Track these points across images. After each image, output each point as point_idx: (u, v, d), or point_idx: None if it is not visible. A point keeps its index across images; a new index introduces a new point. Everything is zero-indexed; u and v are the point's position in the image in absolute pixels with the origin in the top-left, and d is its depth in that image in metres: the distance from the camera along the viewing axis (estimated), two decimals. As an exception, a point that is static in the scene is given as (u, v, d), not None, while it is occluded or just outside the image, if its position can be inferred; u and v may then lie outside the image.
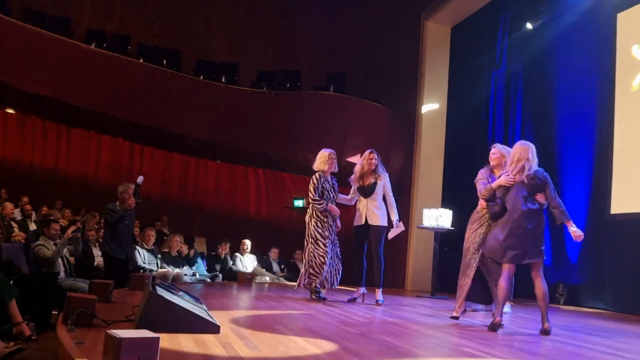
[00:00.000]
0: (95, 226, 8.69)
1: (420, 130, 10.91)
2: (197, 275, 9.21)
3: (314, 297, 6.27)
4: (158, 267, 8.18)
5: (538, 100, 9.94)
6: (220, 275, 9.67)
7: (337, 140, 11.53)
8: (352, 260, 6.53)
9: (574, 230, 4.90)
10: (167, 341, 3.08)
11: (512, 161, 4.76)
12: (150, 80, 11.51)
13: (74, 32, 11.78)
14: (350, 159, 6.49)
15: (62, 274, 6.34)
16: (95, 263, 7.69)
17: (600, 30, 8.80)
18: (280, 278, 10.35)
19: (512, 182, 4.79)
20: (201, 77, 12.37)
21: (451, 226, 8.33)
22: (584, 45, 9.06)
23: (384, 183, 6.48)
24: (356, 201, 6.64)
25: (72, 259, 6.94)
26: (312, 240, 6.24)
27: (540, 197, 4.79)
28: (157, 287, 3.62)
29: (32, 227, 8.96)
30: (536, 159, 4.84)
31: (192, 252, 9.75)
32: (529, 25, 10.11)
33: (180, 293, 4.00)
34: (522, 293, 6.77)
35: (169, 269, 8.25)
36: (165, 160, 13.61)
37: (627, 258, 7.75)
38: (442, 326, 4.87)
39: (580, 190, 8.77)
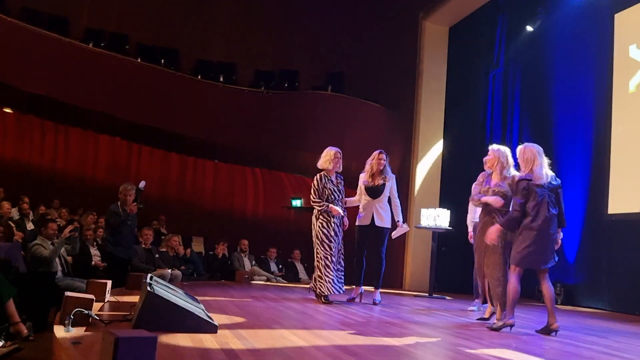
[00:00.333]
0: (93, 225, 8.68)
1: (418, 129, 10.92)
2: (195, 275, 9.22)
3: (321, 300, 6.06)
4: (156, 267, 8.17)
5: (536, 100, 9.95)
6: (218, 274, 9.68)
7: (335, 140, 11.47)
8: (351, 260, 6.52)
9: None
10: (165, 341, 3.08)
11: (526, 164, 4.65)
12: (148, 79, 11.50)
13: (72, 32, 11.77)
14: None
15: (60, 273, 6.33)
16: (93, 262, 7.67)
17: (597, 31, 8.81)
18: (278, 278, 10.36)
19: (501, 204, 4.75)
20: (199, 77, 12.37)
21: (449, 226, 8.33)
22: (582, 46, 9.07)
23: (391, 184, 6.55)
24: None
25: (69, 258, 6.92)
26: (318, 242, 6.10)
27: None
28: (154, 287, 3.61)
29: (30, 226, 8.94)
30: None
31: (188, 251, 9.74)
32: (526, 26, 10.12)
33: (177, 293, 4.00)
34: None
35: (167, 269, 8.25)
36: (163, 159, 13.59)
37: (625, 258, 7.77)
38: (440, 326, 4.88)
39: (578, 190, 8.78)
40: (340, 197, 6.27)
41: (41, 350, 4.35)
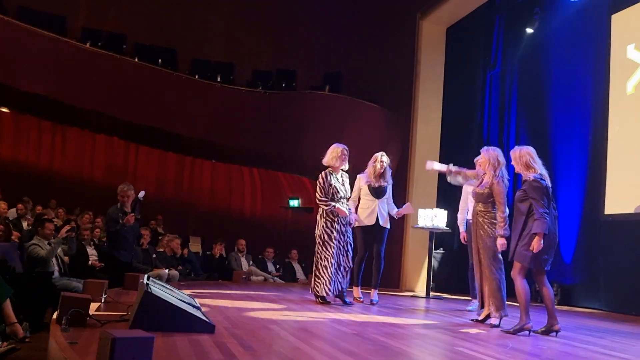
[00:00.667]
0: (90, 225, 8.66)
1: (415, 130, 10.93)
2: (192, 275, 9.21)
3: (319, 301, 6.01)
4: (153, 267, 8.17)
5: (533, 100, 9.97)
6: (216, 274, 9.67)
7: (332, 140, 11.43)
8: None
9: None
10: (162, 341, 3.08)
11: (527, 166, 4.67)
12: (145, 79, 11.48)
13: (69, 31, 11.74)
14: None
15: (56, 273, 6.32)
16: (90, 262, 7.66)
17: (594, 31, 8.83)
18: (275, 278, 10.35)
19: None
20: (197, 77, 12.35)
21: (446, 226, 8.34)
22: (579, 46, 9.09)
23: (389, 186, 6.68)
24: (358, 200, 6.64)
25: (66, 258, 6.91)
26: (320, 242, 6.00)
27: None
28: (151, 287, 3.61)
29: (26, 226, 8.92)
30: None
31: (185, 251, 9.74)
32: (524, 27, 10.14)
33: (174, 293, 4.00)
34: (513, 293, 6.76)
35: (164, 269, 8.24)
36: (160, 159, 13.58)
37: (621, 258, 7.78)
38: (437, 326, 4.88)
39: (575, 190, 8.79)
40: (346, 196, 6.18)
41: (38, 350, 4.34)
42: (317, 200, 6.09)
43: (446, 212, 8.43)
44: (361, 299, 6.53)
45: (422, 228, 8.52)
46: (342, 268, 5.98)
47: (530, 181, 4.61)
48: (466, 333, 4.52)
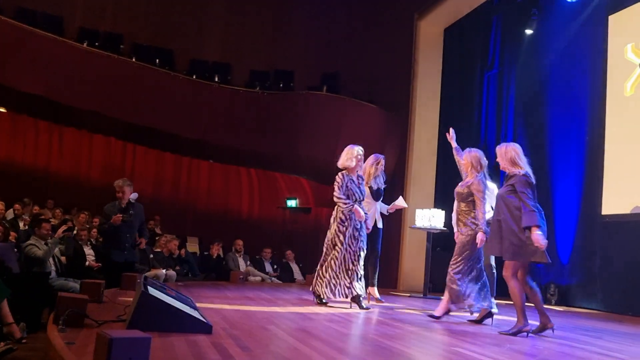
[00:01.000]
0: (87, 225, 8.65)
1: (413, 130, 10.93)
2: (190, 275, 9.20)
3: (317, 301, 5.94)
4: (150, 267, 8.16)
5: (530, 101, 9.99)
6: (213, 275, 9.66)
7: (330, 141, 11.52)
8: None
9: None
10: (159, 341, 3.07)
11: (512, 162, 4.66)
12: (142, 79, 11.46)
13: (66, 31, 11.72)
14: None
15: (54, 273, 6.30)
16: (87, 263, 7.65)
17: (592, 32, 8.85)
18: (273, 278, 10.35)
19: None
20: (194, 77, 12.34)
21: (444, 226, 8.35)
22: (576, 47, 9.11)
23: None
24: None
25: (63, 258, 6.90)
26: (330, 244, 5.85)
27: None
28: (148, 287, 3.61)
29: (23, 226, 8.90)
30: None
31: (183, 251, 9.73)
32: (521, 27, 10.16)
33: (172, 293, 3.99)
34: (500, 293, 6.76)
35: (161, 269, 8.23)
36: (157, 159, 13.56)
37: (618, 259, 7.80)
38: (435, 326, 4.88)
39: (572, 191, 8.81)
40: (362, 199, 5.98)
41: (35, 350, 4.33)
42: (334, 199, 5.88)
43: (444, 212, 8.43)
44: (382, 300, 6.66)
45: (420, 228, 8.52)
46: (351, 273, 5.73)
47: (519, 176, 4.59)
48: (464, 333, 4.53)
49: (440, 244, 9.62)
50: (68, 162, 12.84)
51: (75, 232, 7.80)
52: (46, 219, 6.95)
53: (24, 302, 5.19)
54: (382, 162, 6.70)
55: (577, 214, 8.67)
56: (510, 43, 10.57)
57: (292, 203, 13.97)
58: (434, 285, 9.01)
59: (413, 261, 10.36)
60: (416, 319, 5.38)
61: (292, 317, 4.93)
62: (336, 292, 5.75)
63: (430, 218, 8.39)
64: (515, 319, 4.57)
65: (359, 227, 5.82)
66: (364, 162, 6.17)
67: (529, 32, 10.00)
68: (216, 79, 12.47)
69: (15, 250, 6.63)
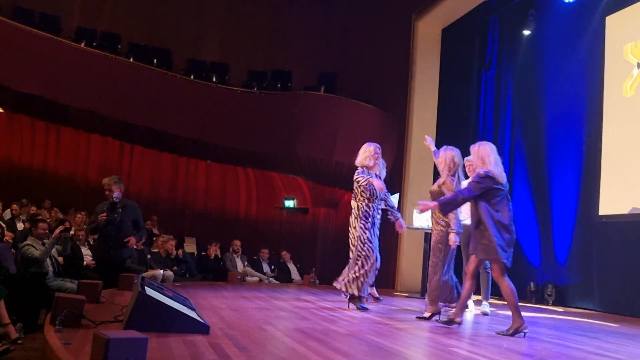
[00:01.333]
0: (84, 225, 8.64)
1: (410, 130, 10.94)
2: (187, 276, 9.19)
3: (358, 306, 5.67)
4: (147, 268, 8.14)
5: (528, 101, 10.00)
6: (211, 275, 9.65)
7: (328, 141, 11.54)
8: (347, 261, 6.46)
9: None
10: (156, 342, 3.07)
11: (482, 161, 4.66)
12: (140, 79, 11.45)
13: (63, 31, 11.71)
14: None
15: (51, 274, 6.29)
16: (85, 263, 7.64)
17: (589, 33, 8.87)
18: (270, 278, 10.35)
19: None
20: (192, 77, 12.34)
21: (441, 227, 8.34)
22: (573, 48, 9.12)
23: None
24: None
25: (60, 258, 6.88)
26: (360, 243, 5.66)
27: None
28: (146, 288, 3.60)
29: (20, 226, 8.89)
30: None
31: (180, 252, 9.72)
32: (518, 28, 10.17)
33: (169, 293, 3.99)
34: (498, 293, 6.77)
35: (159, 270, 8.22)
36: (155, 159, 13.54)
37: (615, 259, 7.81)
38: (432, 327, 4.88)
39: (569, 191, 8.82)
40: (380, 196, 5.86)
41: (32, 351, 4.32)
42: (356, 184, 5.71)
43: (441, 212, 8.42)
44: (380, 299, 6.71)
45: (417, 229, 8.53)
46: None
47: (480, 172, 4.62)
48: (461, 334, 4.53)
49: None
50: (65, 162, 12.81)
51: (72, 232, 7.78)
52: (42, 219, 6.94)
53: (21, 303, 5.18)
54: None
55: (574, 214, 8.68)
56: (507, 43, 10.58)
57: (289, 203, 13.97)
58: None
59: (411, 261, 10.36)
60: (413, 319, 5.38)
61: (290, 318, 4.93)
62: (367, 288, 5.67)
63: (427, 218, 8.38)
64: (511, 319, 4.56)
65: (378, 224, 5.75)
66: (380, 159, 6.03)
67: (526, 32, 10.01)
68: (214, 79, 12.47)
69: (12, 250, 6.62)
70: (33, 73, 10.47)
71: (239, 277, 9.23)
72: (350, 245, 5.79)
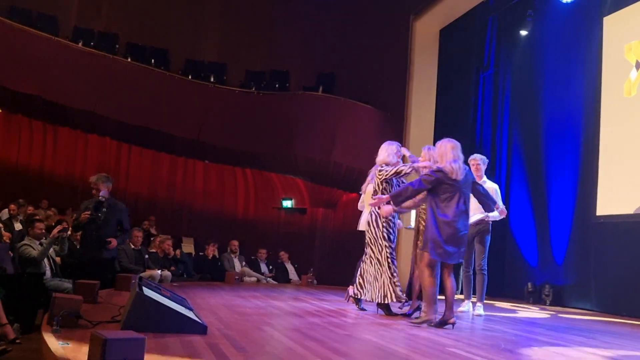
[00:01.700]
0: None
1: (408, 131, 10.94)
2: (185, 276, 9.18)
3: (386, 312, 5.49)
4: (145, 268, 8.13)
5: (525, 102, 10.01)
6: (208, 275, 9.64)
7: (326, 141, 11.54)
8: (345, 262, 6.47)
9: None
10: (154, 342, 3.06)
11: (441, 157, 4.76)
12: (138, 79, 11.45)
13: (60, 31, 11.69)
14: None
15: (48, 274, 6.27)
16: (82, 263, 7.61)
17: (587, 34, 8.88)
18: (268, 279, 10.34)
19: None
20: (189, 77, 12.33)
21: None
22: (571, 48, 9.14)
23: None
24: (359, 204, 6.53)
25: (58, 259, 6.87)
26: (385, 243, 5.48)
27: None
28: (143, 288, 3.60)
29: (18, 226, 8.86)
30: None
31: (178, 252, 9.70)
32: (517, 28, 10.19)
33: (167, 294, 3.98)
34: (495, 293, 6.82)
35: (156, 270, 8.21)
36: (153, 160, 13.53)
37: (613, 259, 7.82)
38: (430, 327, 4.88)
39: (567, 192, 8.83)
40: None
41: (29, 351, 4.31)
42: (378, 179, 5.48)
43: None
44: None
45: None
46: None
47: (433, 168, 4.78)
48: (458, 334, 4.53)
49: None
50: (63, 162, 12.80)
51: (69, 232, 7.76)
52: (39, 218, 6.92)
53: (19, 303, 5.17)
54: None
55: (572, 214, 8.69)
56: (505, 44, 10.60)
57: (287, 203, 13.97)
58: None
59: (409, 262, 10.34)
60: (411, 319, 5.37)
61: (288, 318, 4.93)
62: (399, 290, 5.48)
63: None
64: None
65: (394, 224, 5.63)
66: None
67: (524, 32, 10.03)
68: (212, 79, 12.46)
69: (10, 252, 6.60)
70: (30, 73, 10.46)
71: (236, 277, 9.23)
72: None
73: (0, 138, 12.38)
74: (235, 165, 13.75)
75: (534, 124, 9.70)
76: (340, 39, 13.54)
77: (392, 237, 5.55)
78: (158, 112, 11.47)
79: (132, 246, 8.19)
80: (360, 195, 6.43)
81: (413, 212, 8.63)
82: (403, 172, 5.43)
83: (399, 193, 4.83)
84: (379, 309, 5.56)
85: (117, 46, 12.24)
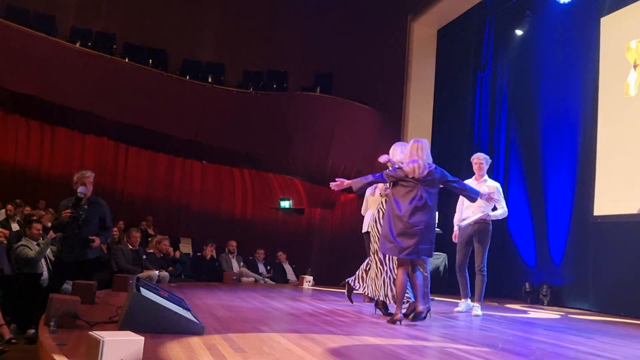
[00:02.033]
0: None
1: (406, 131, 10.95)
2: (182, 277, 9.17)
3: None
4: (143, 268, 8.12)
5: (523, 102, 10.03)
6: (204, 276, 9.63)
7: (323, 142, 11.54)
8: (342, 262, 6.46)
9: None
10: (151, 342, 3.05)
11: (405, 157, 4.99)
12: (135, 79, 11.43)
13: (58, 31, 11.67)
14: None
15: (45, 274, 6.26)
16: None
17: (584, 34, 8.90)
18: (266, 279, 10.34)
19: None
20: (187, 77, 12.32)
21: (437, 227, 8.34)
22: (569, 48, 9.15)
23: None
24: (364, 206, 6.52)
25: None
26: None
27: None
28: (141, 288, 3.59)
29: (15, 227, 8.84)
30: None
31: (178, 253, 9.70)
32: (514, 29, 10.20)
33: (164, 294, 3.98)
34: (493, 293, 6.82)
35: (154, 270, 8.20)
36: (150, 160, 13.51)
37: (610, 259, 7.84)
38: (427, 327, 4.89)
39: (564, 192, 8.85)
40: None
41: (26, 352, 4.31)
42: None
43: (437, 213, 8.42)
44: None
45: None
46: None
47: (395, 165, 5.01)
48: (456, 334, 4.53)
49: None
50: (60, 162, 12.76)
51: (51, 233, 7.74)
52: (36, 219, 6.90)
53: (16, 304, 5.16)
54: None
55: (569, 214, 8.70)
56: (503, 44, 10.61)
57: (285, 204, 13.96)
58: (432, 287, 9.02)
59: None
60: (408, 319, 5.38)
61: (286, 319, 4.92)
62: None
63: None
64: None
65: None
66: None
67: (521, 33, 10.04)
68: (209, 80, 12.45)
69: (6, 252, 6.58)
70: (28, 73, 10.44)
71: (234, 277, 9.21)
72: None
73: (-3, 138, 12.35)
74: (233, 165, 13.74)
75: (531, 124, 9.71)
76: (338, 40, 13.54)
77: None
78: (156, 113, 11.45)
79: (130, 246, 8.18)
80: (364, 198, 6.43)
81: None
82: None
83: (360, 179, 5.05)
84: (377, 309, 5.57)
85: (114, 46, 12.22)
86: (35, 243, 6.22)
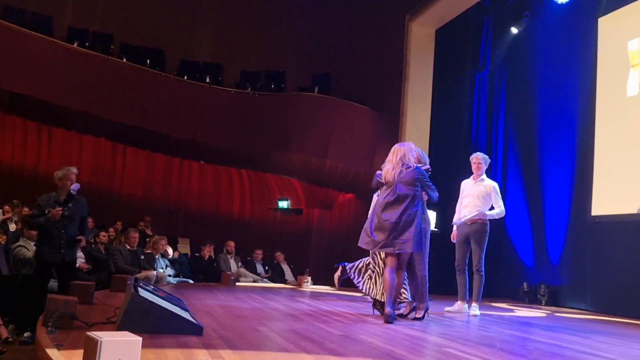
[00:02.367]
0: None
1: (404, 131, 10.95)
2: (181, 277, 9.16)
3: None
4: (141, 269, 8.11)
5: (521, 102, 10.05)
6: (201, 276, 9.63)
7: (322, 142, 11.53)
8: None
9: None
10: (149, 343, 3.05)
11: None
12: (133, 80, 11.41)
13: (55, 31, 11.64)
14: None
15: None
16: (78, 265, 7.59)
17: (582, 34, 8.92)
18: (264, 279, 10.33)
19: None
20: (185, 78, 12.30)
21: (435, 227, 8.36)
22: (567, 49, 9.17)
23: None
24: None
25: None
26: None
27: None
28: (139, 289, 3.59)
29: (13, 227, 8.83)
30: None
31: (176, 254, 9.68)
32: (512, 29, 10.22)
33: (162, 294, 3.97)
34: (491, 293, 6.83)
35: (152, 271, 8.19)
36: (148, 160, 13.50)
37: (608, 259, 7.85)
38: (425, 327, 4.89)
39: (562, 192, 8.87)
40: None
41: (24, 352, 4.30)
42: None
43: (435, 213, 8.45)
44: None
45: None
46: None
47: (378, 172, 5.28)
48: (454, 334, 4.54)
49: (432, 245, 9.62)
50: (57, 162, 12.71)
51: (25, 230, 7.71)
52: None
53: (13, 304, 5.15)
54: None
55: (567, 214, 8.72)
56: (501, 44, 10.63)
57: (283, 204, 13.96)
58: (430, 287, 9.02)
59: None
60: (407, 319, 5.38)
61: (283, 318, 4.92)
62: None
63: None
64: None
65: None
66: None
67: (520, 33, 10.06)
68: (207, 80, 12.43)
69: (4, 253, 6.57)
70: (25, 73, 10.41)
71: (232, 278, 9.21)
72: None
73: (-6, 139, 12.33)
74: (230, 165, 13.73)
75: (529, 124, 9.73)
76: (336, 40, 13.55)
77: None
78: (153, 113, 11.44)
79: (128, 247, 8.18)
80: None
81: None
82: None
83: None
84: (375, 309, 5.57)
85: (112, 46, 12.20)
86: (32, 243, 6.20)
